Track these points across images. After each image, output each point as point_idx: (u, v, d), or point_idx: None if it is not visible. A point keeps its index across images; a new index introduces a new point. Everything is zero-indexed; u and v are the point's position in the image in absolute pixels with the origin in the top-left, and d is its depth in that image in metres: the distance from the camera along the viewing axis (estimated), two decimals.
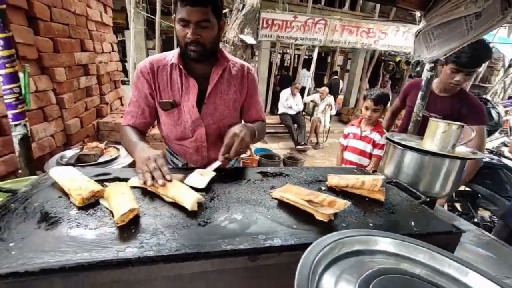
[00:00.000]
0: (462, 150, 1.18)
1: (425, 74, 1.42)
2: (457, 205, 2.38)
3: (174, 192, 0.73)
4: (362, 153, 1.98)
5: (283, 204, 0.80)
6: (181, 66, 1.03)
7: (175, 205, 0.74)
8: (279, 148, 5.39)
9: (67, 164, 1.45)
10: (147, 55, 7.35)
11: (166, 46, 7.97)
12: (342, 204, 0.72)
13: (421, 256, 0.44)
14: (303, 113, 6.04)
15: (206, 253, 0.56)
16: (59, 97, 1.79)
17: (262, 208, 0.76)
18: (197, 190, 0.80)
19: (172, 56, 1.06)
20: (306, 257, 0.43)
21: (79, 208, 0.69)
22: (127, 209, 0.63)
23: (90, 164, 1.52)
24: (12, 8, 1.02)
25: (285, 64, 10.38)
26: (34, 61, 1.54)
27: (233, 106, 1.15)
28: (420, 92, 1.45)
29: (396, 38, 6.23)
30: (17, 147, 1.08)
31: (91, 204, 0.72)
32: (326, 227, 0.70)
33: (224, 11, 5.36)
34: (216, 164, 0.95)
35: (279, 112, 5.59)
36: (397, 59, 9.33)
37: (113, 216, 0.65)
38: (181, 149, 1.18)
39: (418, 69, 8.11)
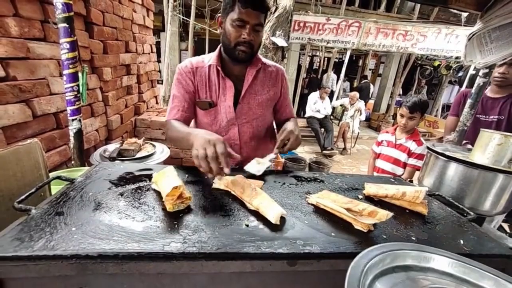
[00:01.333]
0: None
1: (478, 81, 1.31)
2: (505, 225, 2.16)
3: (258, 202, 0.72)
4: (396, 162, 1.88)
5: (319, 210, 0.78)
6: (219, 68, 1.07)
7: (211, 202, 0.76)
8: (305, 152, 5.31)
9: (109, 157, 1.56)
10: (180, 56, 7.68)
11: (198, 47, 8.27)
12: (384, 215, 0.69)
13: (484, 281, 0.40)
14: (331, 117, 5.89)
15: (246, 253, 0.57)
16: (104, 94, 1.93)
17: (298, 213, 0.76)
18: (254, 177, 0.90)
19: (209, 58, 1.11)
20: (355, 266, 0.42)
21: (126, 200, 0.74)
22: (170, 189, 0.68)
23: (129, 158, 1.62)
24: (74, 15, 1.13)
25: (314, 67, 10.21)
26: (87, 62, 1.69)
27: (266, 106, 1.17)
28: (469, 100, 1.34)
29: (436, 41, 5.82)
30: (72, 140, 1.19)
31: (137, 196, 0.77)
32: (366, 238, 0.67)
33: None
34: (271, 156, 1.02)
35: (306, 115, 5.51)
36: (436, 63, 8.73)
37: (159, 208, 0.69)
38: None
39: (460, 74, 7.51)
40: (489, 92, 1.69)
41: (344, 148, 5.50)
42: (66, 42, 1.06)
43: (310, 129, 5.44)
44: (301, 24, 5.08)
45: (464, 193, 1.08)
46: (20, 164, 0.80)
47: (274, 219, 0.67)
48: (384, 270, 0.46)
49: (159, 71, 4.28)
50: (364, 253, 0.46)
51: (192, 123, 1.25)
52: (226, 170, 0.76)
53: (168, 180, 0.73)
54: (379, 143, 2.00)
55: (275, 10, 4.37)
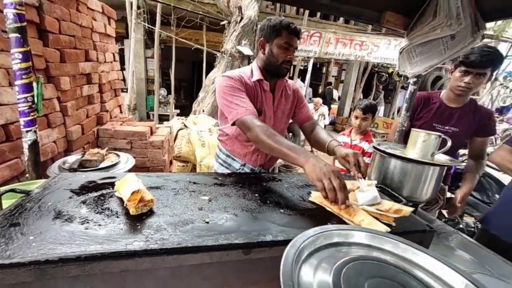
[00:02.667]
0: (441, 157, 1.28)
1: (410, 88, 1.53)
2: (444, 212, 2.47)
3: (359, 219, 0.77)
4: None
5: (275, 207, 0.87)
6: (266, 82, 1.26)
7: (176, 205, 0.81)
8: None
9: (69, 169, 1.51)
10: (146, 63, 7.48)
11: (165, 55, 8.14)
12: (407, 211, 0.83)
13: (388, 245, 0.52)
14: None
15: (205, 246, 0.63)
16: (62, 104, 1.86)
17: (256, 209, 0.84)
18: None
19: (250, 73, 1.27)
20: (291, 247, 0.51)
21: (88, 207, 0.76)
22: (129, 194, 0.72)
23: (91, 169, 1.58)
24: (26, 23, 1.10)
25: None
26: (42, 71, 1.62)
27: (287, 115, 1.42)
28: (405, 104, 1.56)
29: (388, 50, 6.47)
30: (26, 152, 1.14)
31: (100, 203, 0.79)
32: (313, 226, 0.77)
33: (223, 23, 5.54)
34: (366, 182, 0.97)
35: None
36: (390, 70, 9.62)
37: (122, 212, 0.72)
38: (244, 149, 1.35)
39: (409, 80, 8.35)
40: (445, 99, 1.62)
41: (312, 151, 5.78)
42: (18, 52, 1.03)
43: None
44: None
45: (402, 184, 1.25)
46: None
47: None
48: (318, 248, 0.55)
49: (124, 79, 4.15)
50: (301, 235, 0.55)
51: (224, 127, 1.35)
52: (348, 202, 0.82)
53: (128, 186, 0.77)
54: None
55: (241, 20, 4.53)
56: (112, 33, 2.71)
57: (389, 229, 0.74)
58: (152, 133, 2.58)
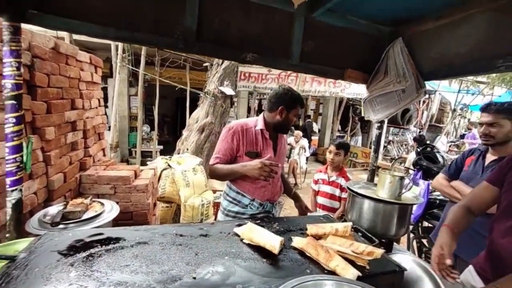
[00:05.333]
0: (407, 196, 1.41)
1: (375, 132, 1.72)
2: (424, 241, 2.58)
3: (334, 265, 0.85)
4: (332, 197, 2.19)
5: (257, 257, 0.93)
6: (268, 132, 1.59)
7: (164, 261, 0.85)
8: None
9: (52, 222, 1.48)
10: (129, 101, 7.59)
11: (149, 92, 8.32)
12: (379, 253, 0.92)
13: None
14: None
15: None
16: (46, 154, 1.85)
17: (239, 260, 0.89)
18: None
19: (254, 124, 1.60)
20: None
21: (77, 271, 0.78)
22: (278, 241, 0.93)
23: (75, 221, 1.55)
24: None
25: (263, 108, 11.05)
26: (28, 123, 1.65)
27: (284, 156, 1.80)
28: (373, 146, 1.74)
29: (359, 87, 7.06)
30: (9, 211, 1.13)
31: (89, 264, 0.81)
32: (294, 274, 0.83)
33: (205, 64, 5.89)
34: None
35: None
36: None
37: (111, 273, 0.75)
38: (253, 187, 1.60)
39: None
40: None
41: (295, 183, 5.88)
42: (13, 117, 1.09)
43: None
44: (247, 75, 5.68)
45: (375, 223, 1.35)
46: None
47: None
48: None
49: (106, 116, 4.18)
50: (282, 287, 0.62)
51: None
52: (277, 169, 1.44)
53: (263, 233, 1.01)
54: (316, 182, 2.31)
55: (222, 63, 4.86)
56: (98, 80, 2.81)
57: (360, 274, 0.82)
58: (136, 176, 2.58)
